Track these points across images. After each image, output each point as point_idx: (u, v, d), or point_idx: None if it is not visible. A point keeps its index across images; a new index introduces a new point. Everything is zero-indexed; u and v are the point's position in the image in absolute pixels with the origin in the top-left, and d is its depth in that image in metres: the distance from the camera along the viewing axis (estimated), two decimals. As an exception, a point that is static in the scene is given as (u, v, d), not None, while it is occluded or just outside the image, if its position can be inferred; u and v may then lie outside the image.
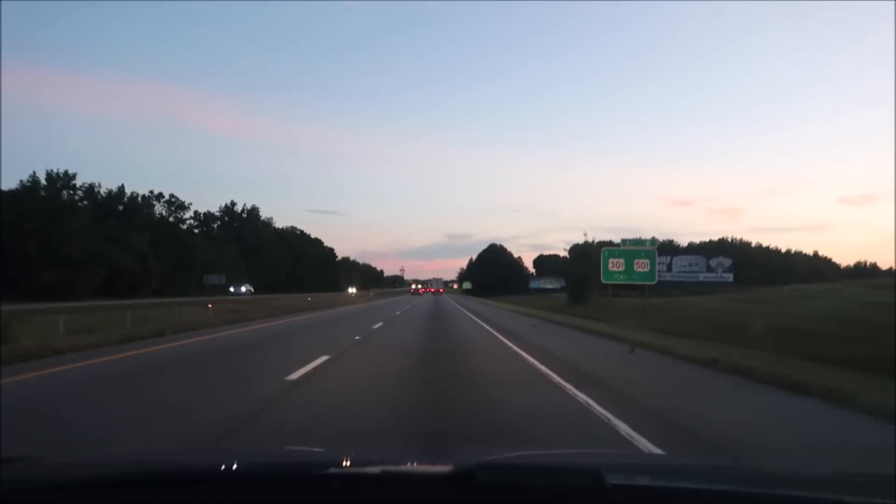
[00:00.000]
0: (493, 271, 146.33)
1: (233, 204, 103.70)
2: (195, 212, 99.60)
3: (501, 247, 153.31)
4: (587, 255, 46.13)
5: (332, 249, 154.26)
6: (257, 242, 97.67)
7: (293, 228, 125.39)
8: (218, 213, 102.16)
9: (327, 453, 2.62)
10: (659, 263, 73.35)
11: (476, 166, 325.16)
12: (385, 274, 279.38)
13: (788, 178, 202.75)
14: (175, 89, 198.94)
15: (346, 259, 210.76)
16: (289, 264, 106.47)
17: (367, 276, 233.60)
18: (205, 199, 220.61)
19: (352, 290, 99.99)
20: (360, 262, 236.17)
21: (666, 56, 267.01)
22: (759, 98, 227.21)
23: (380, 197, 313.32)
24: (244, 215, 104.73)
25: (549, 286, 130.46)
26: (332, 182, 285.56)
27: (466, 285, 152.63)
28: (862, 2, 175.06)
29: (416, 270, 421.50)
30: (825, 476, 2.05)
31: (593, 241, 49.04)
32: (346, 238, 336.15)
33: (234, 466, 1.81)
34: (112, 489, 1.49)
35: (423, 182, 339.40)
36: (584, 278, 44.42)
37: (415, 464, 2.14)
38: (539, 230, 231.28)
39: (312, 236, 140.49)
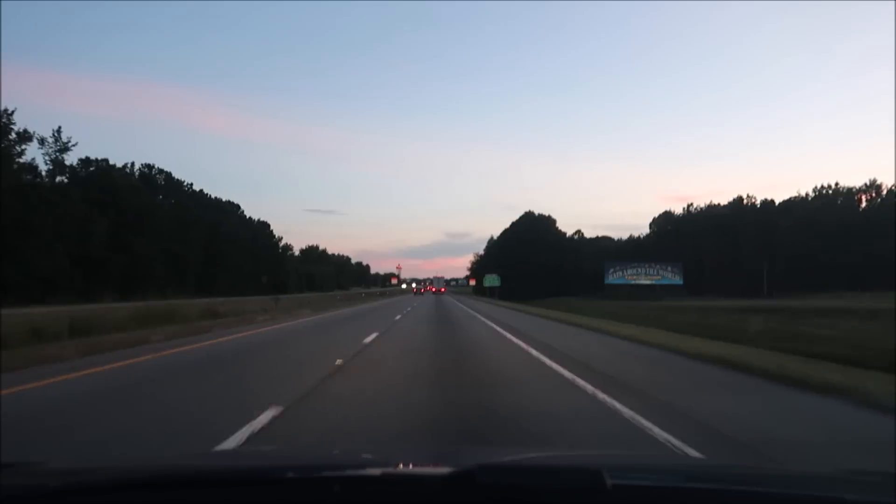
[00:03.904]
0: (532, 257, 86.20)
1: None
2: None
3: (545, 216, 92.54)
4: None
5: (265, 224, 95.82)
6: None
7: (146, 169, 66.95)
8: None
9: (327, 454, 2.63)
10: None
11: (474, 165, 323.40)
12: (381, 273, 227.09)
13: (788, 176, 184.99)
14: (176, 90, 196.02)
15: (313, 248, 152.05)
16: (91, 238, 48.48)
17: (346, 273, 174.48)
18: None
19: None
20: (339, 255, 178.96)
21: (665, 54, 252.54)
22: (759, 96, 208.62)
23: (378, 196, 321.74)
24: None
25: (645, 280, 71.40)
26: (329, 182, 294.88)
27: (492, 280, 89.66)
28: (863, 1, 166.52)
29: (415, 270, 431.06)
30: (825, 474, 2.09)
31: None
32: (343, 237, 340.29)
33: (234, 468, 1.90)
34: (114, 493, 1.52)
35: (421, 181, 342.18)
36: None
37: (414, 465, 2.12)
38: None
39: (212, 195, 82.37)
